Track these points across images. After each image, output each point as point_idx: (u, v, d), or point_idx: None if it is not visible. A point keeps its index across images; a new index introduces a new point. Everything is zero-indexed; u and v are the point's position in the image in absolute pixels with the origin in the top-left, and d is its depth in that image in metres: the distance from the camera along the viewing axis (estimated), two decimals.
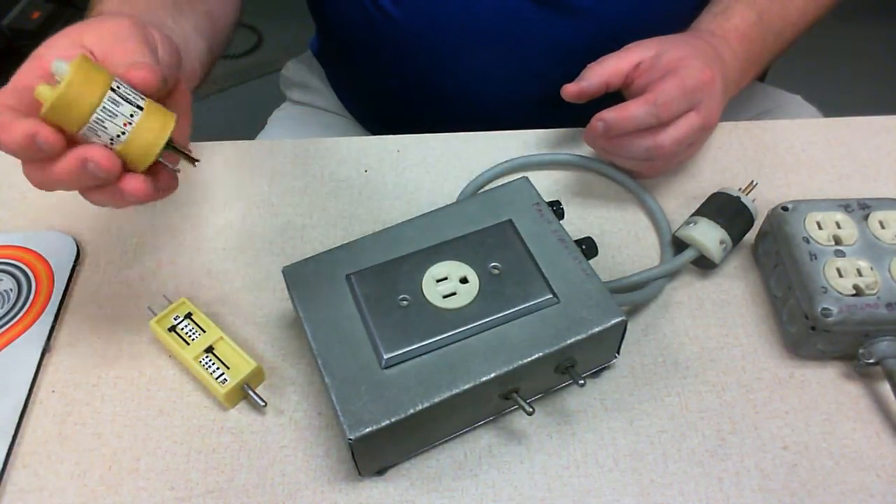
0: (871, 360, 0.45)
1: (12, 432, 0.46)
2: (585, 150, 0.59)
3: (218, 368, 0.47)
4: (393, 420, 0.40)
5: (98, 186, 0.38)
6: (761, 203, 0.53)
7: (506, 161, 0.59)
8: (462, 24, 0.63)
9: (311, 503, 0.43)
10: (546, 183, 0.58)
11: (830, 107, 0.75)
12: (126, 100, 0.36)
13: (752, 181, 0.53)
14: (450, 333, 0.43)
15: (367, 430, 0.40)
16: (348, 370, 0.42)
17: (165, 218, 0.57)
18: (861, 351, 0.46)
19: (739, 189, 0.52)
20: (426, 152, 0.62)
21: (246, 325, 0.51)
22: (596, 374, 0.47)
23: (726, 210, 0.51)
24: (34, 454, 0.45)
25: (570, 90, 0.54)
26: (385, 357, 0.42)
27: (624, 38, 0.56)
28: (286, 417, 0.46)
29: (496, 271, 0.45)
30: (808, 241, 0.48)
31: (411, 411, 0.40)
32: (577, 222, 0.56)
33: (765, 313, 0.51)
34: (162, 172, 0.40)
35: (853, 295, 0.45)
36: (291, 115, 0.82)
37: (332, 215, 0.57)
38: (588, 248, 0.48)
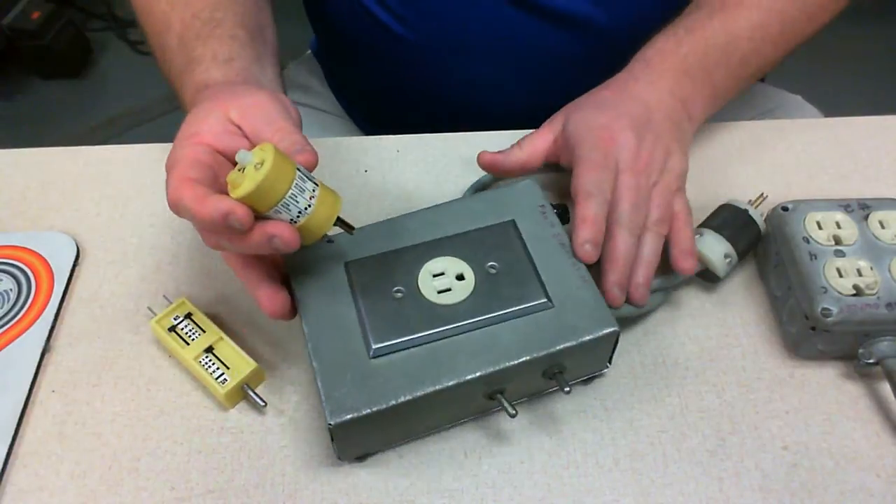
0: (871, 360, 0.45)
1: (12, 432, 0.46)
2: None
3: (218, 368, 0.47)
4: (374, 410, 0.40)
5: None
6: (761, 203, 0.53)
7: None
8: (459, 34, 0.63)
9: (310, 503, 0.43)
10: (553, 187, 0.58)
11: (830, 107, 0.75)
12: (306, 181, 0.40)
13: (763, 194, 0.52)
14: (440, 329, 0.43)
15: (348, 416, 0.40)
16: (336, 356, 0.42)
17: (165, 218, 0.57)
18: (861, 351, 0.46)
19: (749, 201, 0.52)
20: (426, 152, 0.62)
21: (246, 325, 0.51)
22: (586, 382, 0.47)
23: (733, 223, 0.50)
24: (34, 454, 0.45)
25: (484, 158, 0.54)
26: (374, 347, 0.42)
27: (621, 47, 0.56)
28: (286, 417, 0.46)
29: (493, 270, 0.45)
30: (807, 241, 0.48)
31: (393, 402, 0.40)
32: None
33: (765, 313, 0.51)
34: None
35: (853, 295, 0.45)
36: None
37: None
38: None
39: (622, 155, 0.48)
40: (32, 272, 0.54)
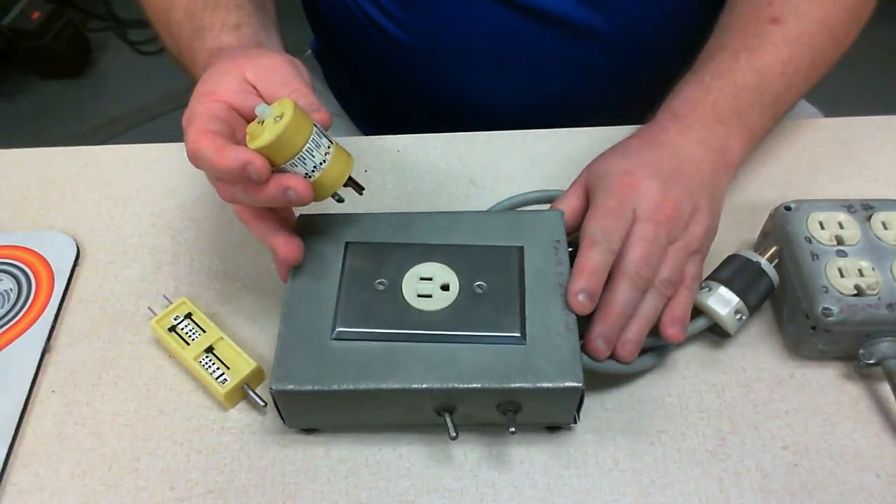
0: (872, 361, 0.45)
1: (12, 432, 0.46)
2: None
3: (218, 368, 0.47)
4: (315, 389, 0.40)
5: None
6: (761, 203, 0.53)
7: (554, 189, 0.53)
8: (458, 38, 0.63)
9: (311, 503, 0.43)
10: None
11: (830, 107, 0.75)
12: (322, 137, 0.41)
13: (776, 248, 0.49)
14: (406, 331, 0.42)
15: (290, 387, 0.40)
16: (303, 328, 0.43)
17: (165, 218, 0.58)
18: (861, 351, 0.46)
19: (759, 252, 0.48)
20: (426, 152, 0.62)
21: (246, 325, 0.51)
22: (551, 430, 0.45)
23: (744, 275, 0.47)
24: (34, 454, 0.45)
25: None
26: (337, 329, 0.42)
27: (620, 50, 0.56)
28: None
29: (479, 290, 0.44)
30: (809, 241, 0.48)
31: (335, 388, 0.40)
32: None
33: (765, 313, 0.51)
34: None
35: (854, 295, 0.45)
36: None
37: None
38: None
39: (642, 203, 0.45)
40: (32, 272, 0.54)
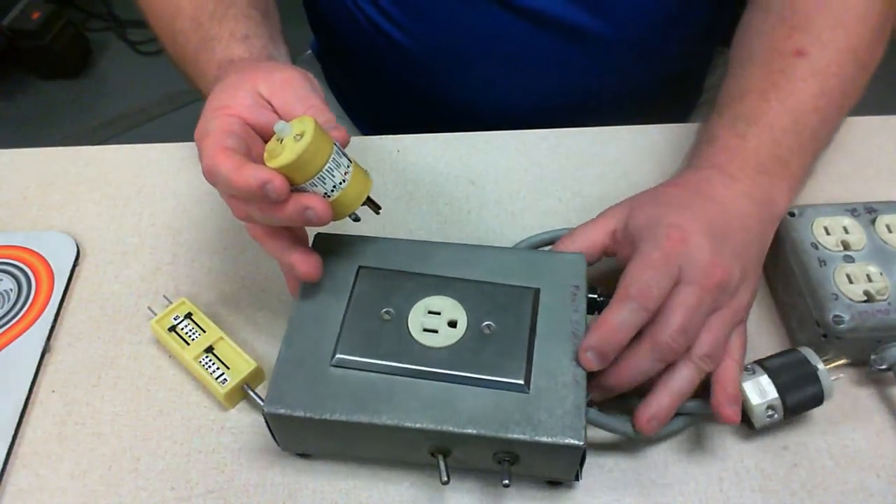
0: (884, 367, 0.45)
1: (12, 432, 0.46)
2: None
3: (218, 368, 0.47)
4: (307, 416, 0.39)
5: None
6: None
7: None
8: (459, 41, 0.63)
9: (311, 503, 0.43)
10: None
11: None
12: (342, 156, 0.40)
13: (844, 360, 0.44)
14: (406, 366, 0.41)
15: (281, 411, 0.40)
16: (303, 350, 0.42)
17: (165, 218, 0.57)
18: (873, 357, 0.45)
19: (823, 359, 0.43)
20: (426, 152, 0.62)
21: (246, 325, 0.51)
22: (552, 485, 0.43)
23: (793, 373, 0.43)
24: (34, 454, 0.45)
25: None
26: (337, 356, 0.41)
27: (619, 53, 0.56)
28: None
29: (488, 331, 0.42)
30: (816, 248, 0.47)
31: (326, 417, 0.39)
32: None
33: (771, 318, 0.50)
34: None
35: (864, 301, 0.45)
36: None
37: None
38: None
39: (692, 264, 0.41)
40: (32, 272, 0.54)
